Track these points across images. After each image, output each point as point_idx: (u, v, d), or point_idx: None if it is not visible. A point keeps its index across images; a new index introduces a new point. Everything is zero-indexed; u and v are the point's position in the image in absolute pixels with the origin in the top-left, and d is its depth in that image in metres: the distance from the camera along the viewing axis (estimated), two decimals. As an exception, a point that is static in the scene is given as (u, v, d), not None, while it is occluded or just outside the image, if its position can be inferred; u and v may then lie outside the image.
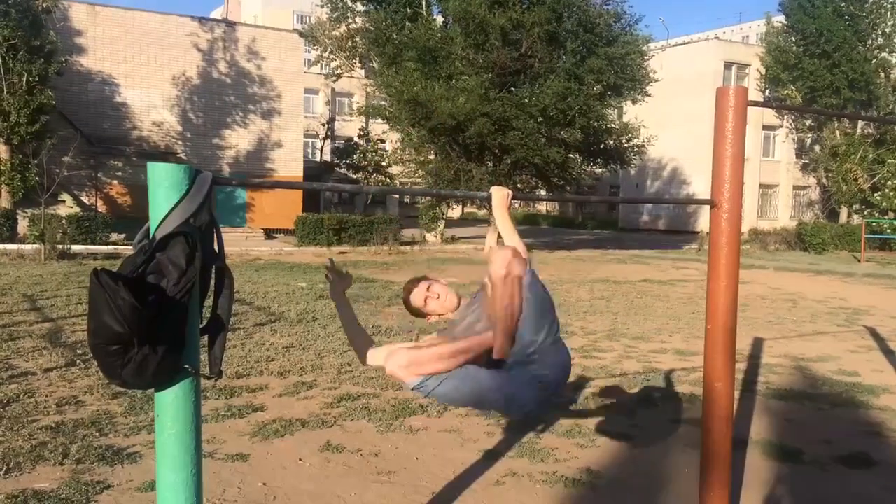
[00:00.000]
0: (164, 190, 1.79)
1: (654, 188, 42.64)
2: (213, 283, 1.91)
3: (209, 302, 1.90)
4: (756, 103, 3.11)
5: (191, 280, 1.75)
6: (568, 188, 25.74)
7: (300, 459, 4.13)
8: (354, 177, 36.63)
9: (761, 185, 40.35)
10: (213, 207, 1.87)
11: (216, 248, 1.90)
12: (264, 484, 3.77)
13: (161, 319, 1.69)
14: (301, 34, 31.09)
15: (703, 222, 36.29)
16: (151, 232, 1.79)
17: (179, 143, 27.10)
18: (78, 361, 6.11)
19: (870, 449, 4.49)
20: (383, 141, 36.17)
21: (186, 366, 1.81)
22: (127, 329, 1.62)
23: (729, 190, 2.89)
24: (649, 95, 24.55)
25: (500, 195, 2.79)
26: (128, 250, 2.75)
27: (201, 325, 1.90)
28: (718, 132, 2.91)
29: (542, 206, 55.85)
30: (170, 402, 1.82)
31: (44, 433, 4.35)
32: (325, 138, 42.59)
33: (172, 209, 1.78)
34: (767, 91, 36.81)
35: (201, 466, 1.91)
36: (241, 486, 3.72)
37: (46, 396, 5.13)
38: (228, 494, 3.62)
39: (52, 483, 3.62)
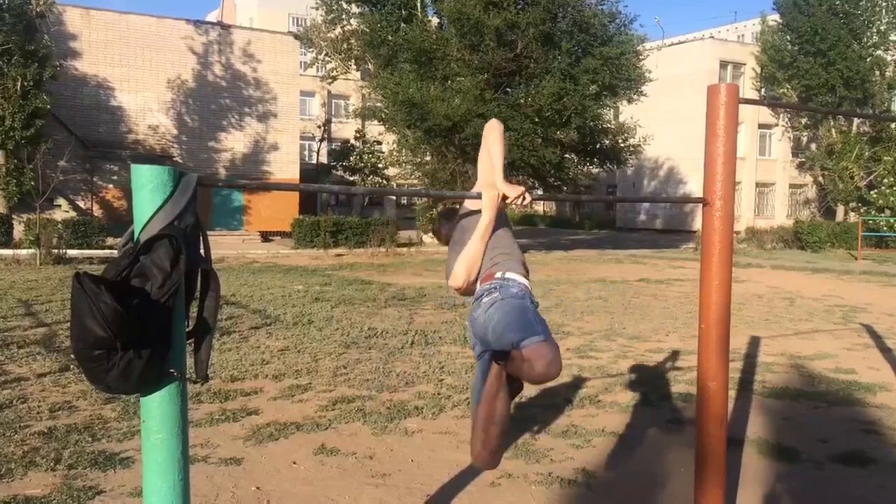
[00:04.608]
0: (149, 192, 1.77)
1: (651, 187, 42.67)
2: (199, 285, 1.88)
3: (198, 305, 1.88)
4: (747, 101, 3.10)
5: (175, 283, 1.72)
6: (565, 188, 25.75)
7: (294, 463, 4.11)
8: (351, 179, 36.59)
9: (758, 184, 40.40)
10: (204, 209, 1.85)
11: (202, 250, 1.87)
12: (258, 488, 3.75)
13: (145, 323, 1.67)
14: (296, 37, 31.05)
15: (699, 221, 36.18)
16: (135, 235, 1.77)
17: (175, 146, 27.06)
18: (72, 366, 6.08)
19: (866, 447, 4.48)
20: (379, 143, 36.16)
21: (172, 370, 1.79)
22: (110, 333, 1.59)
23: (721, 188, 2.88)
24: (645, 95, 24.57)
25: (489, 195, 2.74)
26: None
27: (187, 329, 1.88)
28: (710, 130, 2.89)
29: (538, 207, 55.81)
30: (155, 407, 1.80)
31: (36, 439, 4.33)
32: (321, 140, 42.56)
33: (156, 212, 1.75)
34: (763, 90, 36.89)
35: (188, 472, 1.88)
36: (235, 490, 3.70)
37: (39, 402, 5.10)
38: (222, 498, 3.60)
39: (43, 489, 3.60)
